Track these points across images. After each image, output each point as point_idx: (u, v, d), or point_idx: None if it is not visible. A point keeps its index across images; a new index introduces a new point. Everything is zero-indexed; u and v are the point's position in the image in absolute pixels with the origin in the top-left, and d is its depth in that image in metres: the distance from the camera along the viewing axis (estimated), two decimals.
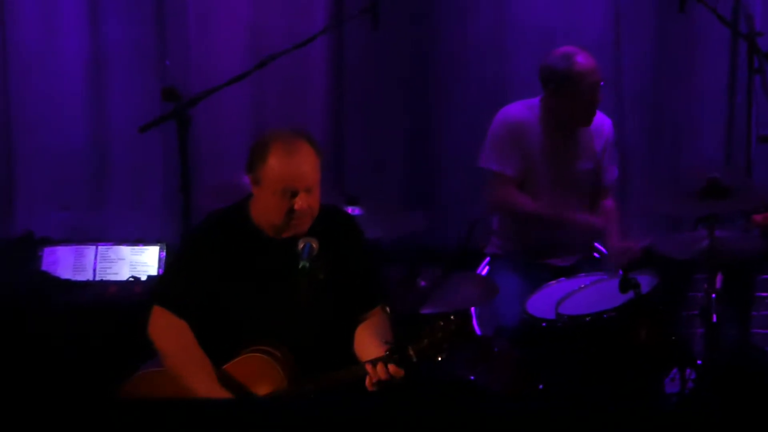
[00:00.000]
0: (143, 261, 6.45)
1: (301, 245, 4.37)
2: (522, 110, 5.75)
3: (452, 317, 4.22)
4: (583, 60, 5.56)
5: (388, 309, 4.59)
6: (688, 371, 4.95)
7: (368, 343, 4.38)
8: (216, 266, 4.41)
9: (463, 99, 6.88)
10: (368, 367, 4.19)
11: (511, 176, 5.68)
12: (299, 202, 4.32)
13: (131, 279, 6.36)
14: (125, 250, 6.50)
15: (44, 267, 6.43)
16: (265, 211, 4.40)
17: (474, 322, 5.59)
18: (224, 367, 4.36)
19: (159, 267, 6.38)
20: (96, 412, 3.38)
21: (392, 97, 6.91)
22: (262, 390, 4.30)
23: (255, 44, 6.75)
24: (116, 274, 6.43)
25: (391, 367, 4.17)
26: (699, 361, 5.06)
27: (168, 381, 4.34)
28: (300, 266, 4.33)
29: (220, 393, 4.27)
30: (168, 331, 4.40)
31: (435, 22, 6.90)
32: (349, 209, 5.38)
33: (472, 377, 4.99)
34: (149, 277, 6.30)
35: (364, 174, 6.88)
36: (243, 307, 4.42)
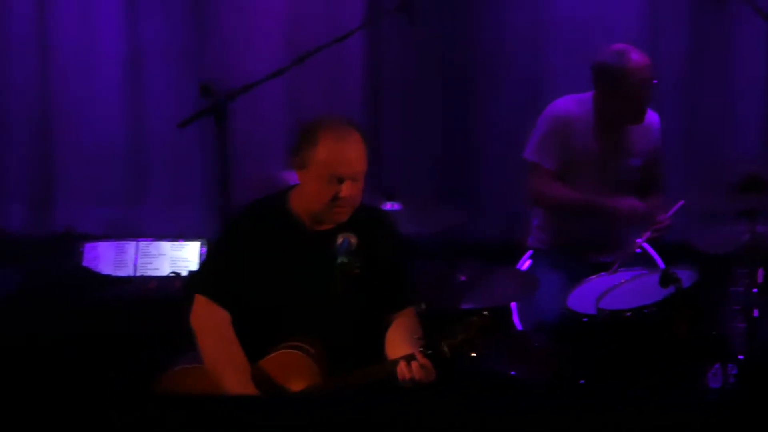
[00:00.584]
0: (184, 256, 6.45)
1: (339, 240, 4.34)
2: (571, 105, 5.70)
3: (486, 313, 4.18)
4: (636, 57, 5.51)
5: (423, 305, 4.55)
6: (729, 366, 4.89)
7: (400, 342, 4.33)
8: (253, 256, 4.39)
9: (499, 93, 6.86)
10: (402, 364, 4.15)
11: (549, 169, 5.63)
12: (345, 190, 4.29)
13: (172, 274, 6.35)
14: (165, 246, 6.49)
15: (85, 263, 6.43)
16: (307, 197, 4.36)
17: (515, 317, 5.55)
18: (259, 363, 4.32)
19: (199, 262, 6.38)
20: (132, 407, 3.36)
21: (429, 92, 6.90)
22: (296, 386, 4.27)
23: (292, 38, 6.76)
24: (157, 269, 6.43)
25: (425, 363, 4.13)
26: (740, 356, 5.00)
27: (202, 377, 4.31)
28: (338, 262, 4.30)
29: (251, 392, 4.22)
30: (209, 321, 4.37)
31: (471, 17, 6.87)
32: (387, 204, 5.35)
33: (512, 372, 4.95)
34: (190, 272, 6.30)
35: (402, 169, 6.86)
36: (278, 299, 4.39)
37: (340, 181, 4.29)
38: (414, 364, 4.14)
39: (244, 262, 4.39)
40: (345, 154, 4.29)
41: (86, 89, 6.92)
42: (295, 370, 4.28)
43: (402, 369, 4.15)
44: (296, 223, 4.41)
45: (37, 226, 6.93)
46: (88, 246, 6.49)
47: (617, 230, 5.69)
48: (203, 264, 4.75)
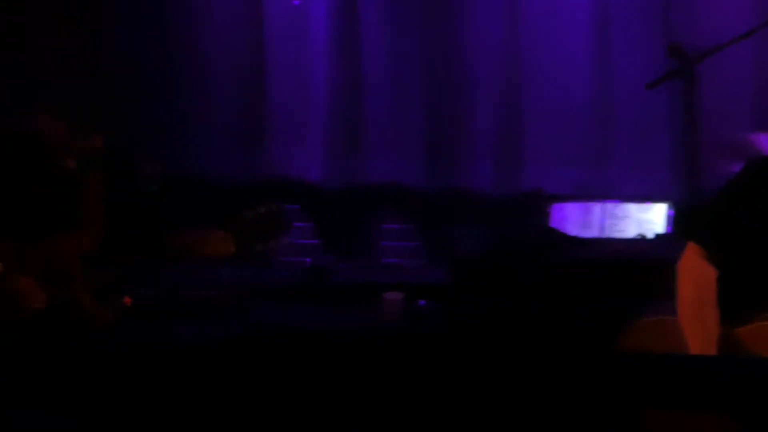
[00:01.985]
0: (650, 219, 6.55)
1: None
2: None
3: None
4: None
5: None
6: None
7: None
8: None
9: None
10: None
11: None
12: None
13: (638, 237, 6.47)
14: (632, 208, 6.61)
15: (552, 223, 6.70)
16: None
17: None
18: (737, 330, 4.33)
19: (666, 225, 6.45)
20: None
21: None
22: None
23: None
24: (623, 231, 6.56)
25: None
26: None
27: (671, 329, 4.27)
28: None
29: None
30: (693, 272, 4.37)
31: None
32: None
33: None
34: (656, 235, 6.39)
35: None
36: None
37: None
38: None
39: (756, 218, 4.40)
40: None
41: (554, 49, 7.12)
42: None
43: None
44: None
45: (505, 185, 7.24)
46: (556, 207, 6.73)
47: None
48: (706, 212, 4.71)
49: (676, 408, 3.26)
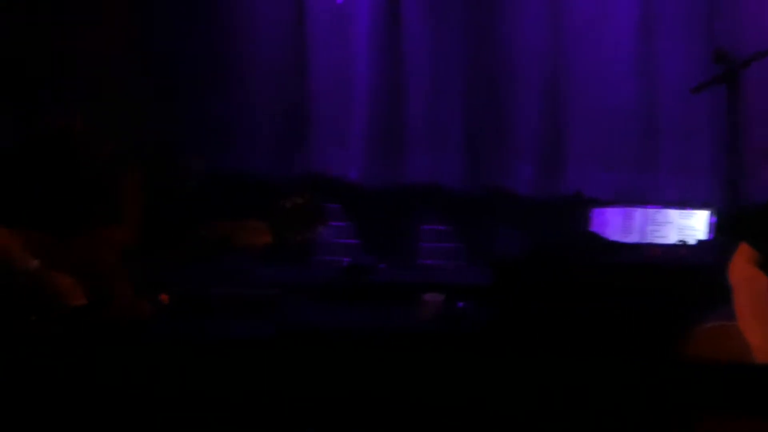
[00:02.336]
0: (691, 225, 6.53)
1: None
2: None
3: None
4: None
5: None
6: None
7: None
8: None
9: None
10: None
11: None
12: None
13: (679, 243, 6.45)
14: (673, 214, 6.60)
15: (593, 228, 6.68)
16: None
17: None
18: None
19: (707, 232, 6.43)
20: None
21: None
22: None
23: None
24: (663, 237, 6.54)
25: None
26: None
27: (732, 334, 4.31)
28: None
29: None
30: (745, 271, 4.39)
31: None
32: None
33: None
34: (698, 241, 6.37)
35: None
36: None
37: None
38: None
39: None
40: None
41: (598, 52, 7.11)
42: None
43: None
44: None
45: (546, 188, 7.22)
46: (597, 211, 6.71)
47: None
48: (759, 213, 4.62)
49: (736, 413, 3.26)
